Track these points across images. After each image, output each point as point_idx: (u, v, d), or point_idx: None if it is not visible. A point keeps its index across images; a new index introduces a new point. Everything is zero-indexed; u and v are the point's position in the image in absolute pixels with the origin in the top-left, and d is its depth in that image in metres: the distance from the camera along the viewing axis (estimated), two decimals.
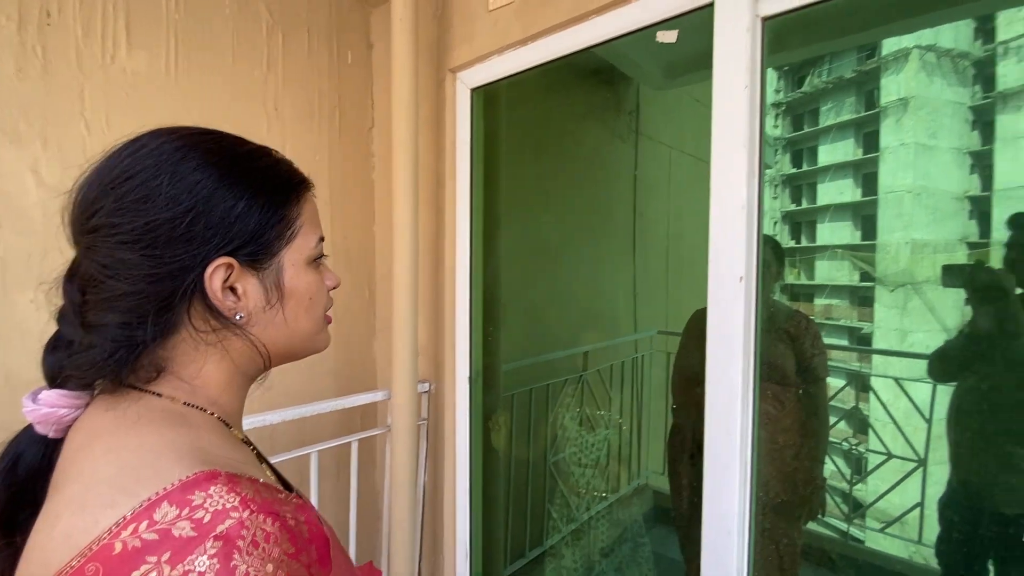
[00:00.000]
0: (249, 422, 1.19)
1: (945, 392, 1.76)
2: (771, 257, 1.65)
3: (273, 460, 1.18)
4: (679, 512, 1.98)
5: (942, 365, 1.65)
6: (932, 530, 1.80)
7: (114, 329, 0.42)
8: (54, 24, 1.12)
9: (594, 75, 2.63)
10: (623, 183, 2.86)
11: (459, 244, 1.47)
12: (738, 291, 0.93)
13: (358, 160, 1.69)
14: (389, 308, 1.69)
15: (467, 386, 1.47)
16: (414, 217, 1.35)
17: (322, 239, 0.53)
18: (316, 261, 0.52)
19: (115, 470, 0.37)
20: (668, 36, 1.08)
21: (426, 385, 1.53)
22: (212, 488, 0.36)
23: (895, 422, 2.45)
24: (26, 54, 1.09)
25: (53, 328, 0.46)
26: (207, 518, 0.34)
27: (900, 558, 2.29)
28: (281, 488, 0.43)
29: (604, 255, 2.75)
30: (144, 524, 0.34)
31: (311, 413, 1.34)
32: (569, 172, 2.47)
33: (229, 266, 0.44)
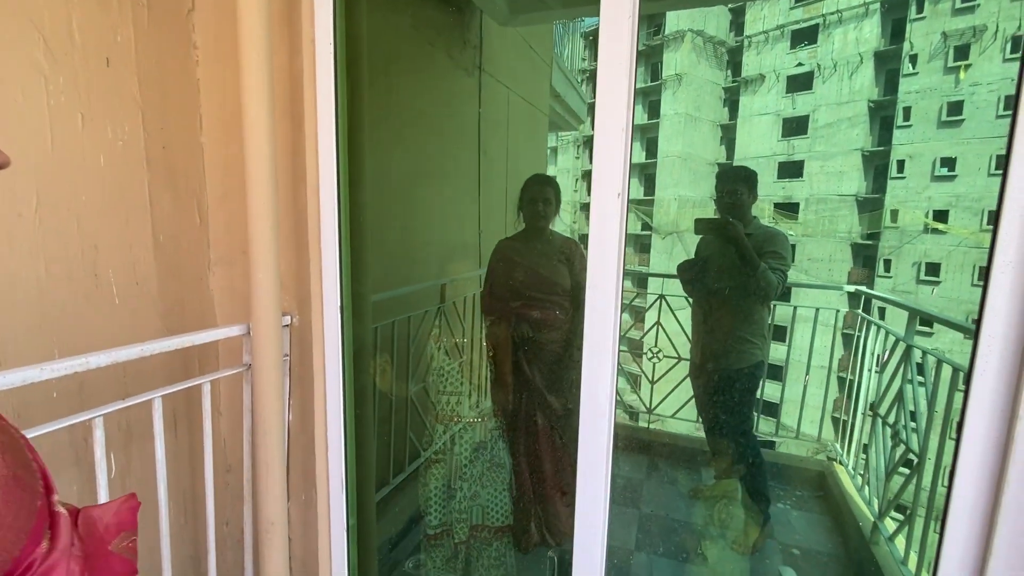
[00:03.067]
0: (65, 366, 0.95)
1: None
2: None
3: (101, 412, 0.98)
4: (508, 444, 2.15)
5: (681, 274, 2.40)
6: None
7: None
8: None
9: None
10: (469, 119, 2.86)
11: (323, 161, 1.33)
12: (615, 207, 1.05)
13: (177, 52, 1.37)
14: (229, 235, 1.47)
15: (338, 317, 1.39)
16: (271, 127, 1.18)
17: None
18: None
19: None
20: None
21: (288, 318, 1.40)
22: None
23: (668, 335, 3.09)
24: None
25: None
26: None
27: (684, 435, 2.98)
28: None
29: (455, 189, 2.75)
30: None
31: (137, 355, 1.12)
32: (424, 100, 2.37)
33: None
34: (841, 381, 2.85)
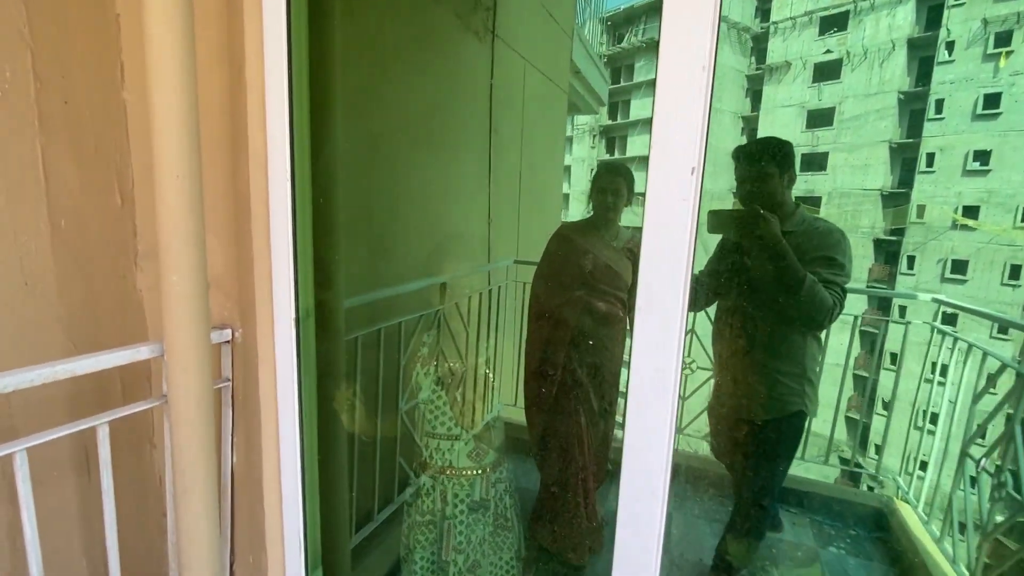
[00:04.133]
0: None
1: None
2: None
3: None
4: (538, 444, 1.88)
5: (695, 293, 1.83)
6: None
7: None
8: None
9: None
10: (479, 91, 2.49)
11: (272, 126, 0.99)
12: (688, 185, 0.69)
13: None
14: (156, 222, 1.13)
15: (292, 330, 1.05)
16: (186, 68, 0.83)
17: None
18: None
19: None
20: None
21: (227, 332, 1.06)
22: None
23: (702, 343, 2.71)
24: None
25: None
26: None
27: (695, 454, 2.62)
28: None
29: (460, 170, 2.39)
30: None
31: (12, 387, 0.79)
32: (420, 69, 2.01)
33: None
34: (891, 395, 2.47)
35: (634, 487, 0.81)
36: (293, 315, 1.04)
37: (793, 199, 1.60)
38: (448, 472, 1.46)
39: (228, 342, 1.07)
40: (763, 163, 1.56)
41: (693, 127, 0.68)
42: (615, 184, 1.76)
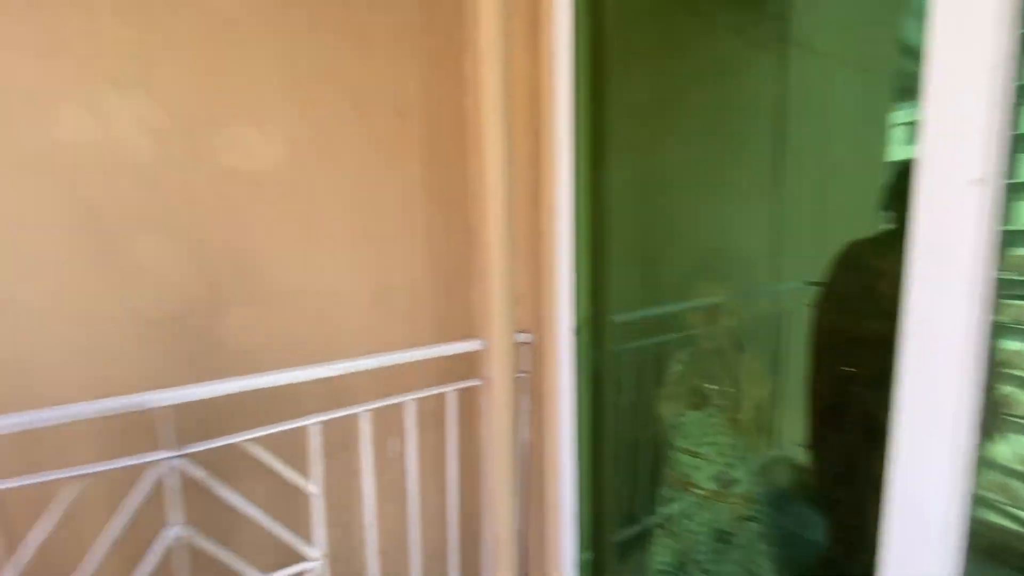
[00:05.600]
0: (341, 367, 1.15)
1: None
2: None
3: (364, 408, 1.14)
4: (823, 490, 1.66)
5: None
6: None
7: None
8: None
9: None
10: (763, 102, 2.37)
11: (559, 174, 1.27)
12: (968, 199, 0.62)
13: (451, 86, 1.54)
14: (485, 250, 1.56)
15: (570, 338, 1.30)
16: (504, 141, 1.18)
17: None
18: None
19: None
20: None
21: (527, 336, 1.39)
22: None
23: None
24: None
25: None
26: None
27: None
28: None
29: (741, 190, 2.34)
30: None
31: (390, 363, 1.27)
32: (695, 90, 2.08)
33: None
34: None
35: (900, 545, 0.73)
36: (571, 324, 1.29)
37: None
38: (692, 488, 1.47)
39: (527, 343, 1.40)
40: None
41: (978, 123, 0.61)
42: None
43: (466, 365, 1.64)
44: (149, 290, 1.18)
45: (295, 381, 1.14)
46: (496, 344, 1.24)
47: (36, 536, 0.89)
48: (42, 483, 0.90)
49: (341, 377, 1.28)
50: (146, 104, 1.15)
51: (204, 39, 1.19)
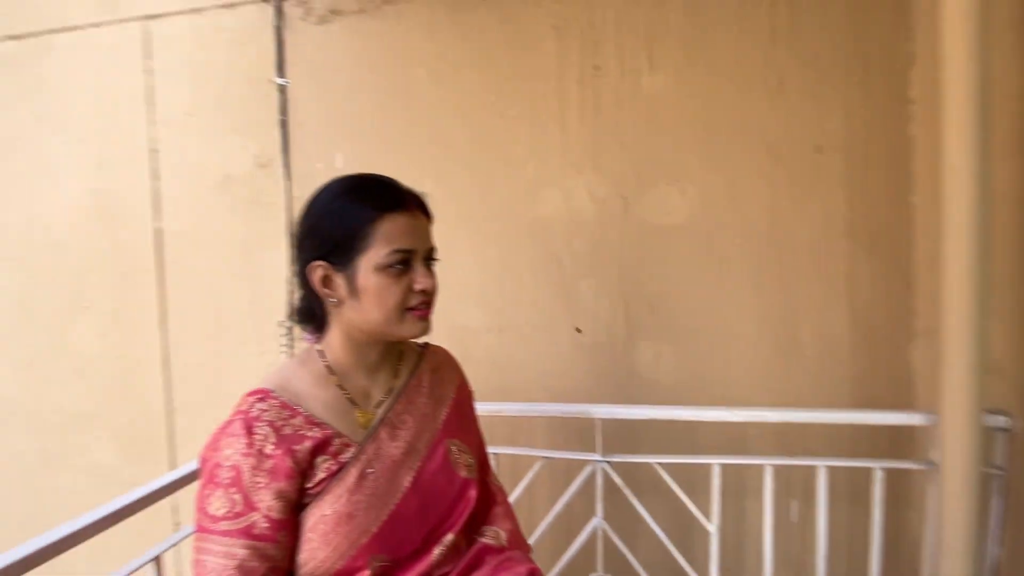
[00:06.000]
0: (745, 414, 1.15)
1: None
2: None
3: (769, 461, 1.10)
4: None
5: None
6: None
7: (297, 300, 0.74)
8: (600, 73, 1.44)
9: None
10: None
11: None
12: None
13: (886, 116, 1.33)
14: (938, 303, 1.26)
15: None
16: (978, 168, 0.94)
17: (402, 250, 0.66)
18: (390, 268, 0.65)
19: None
20: None
21: (1001, 419, 1.04)
22: (249, 398, 0.66)
23: None
24: (584, 102, 1.45)
25: None
26: (232, 412, 0.66)
27: None
28: (311, 421, 0.66)
29: None
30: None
31: (797, 419, 1.17)
32: None
33: (323, 266, 0.66)
34: None
35: None
36: None
37: None
38: None
39: (1004, 429, 1.04)
40: None
41: None
42: None
43: (889, 439, 1.35)
44: (588, 320, 1.50)
45: (701, 419, 1.21)
46: (952, 422, 0.98)
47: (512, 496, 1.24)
48: (519, 455, 1.27)
49: (738, 423, 1.28)
50: (595, 179, 1.48)
51: (637, 119, 1.44)
